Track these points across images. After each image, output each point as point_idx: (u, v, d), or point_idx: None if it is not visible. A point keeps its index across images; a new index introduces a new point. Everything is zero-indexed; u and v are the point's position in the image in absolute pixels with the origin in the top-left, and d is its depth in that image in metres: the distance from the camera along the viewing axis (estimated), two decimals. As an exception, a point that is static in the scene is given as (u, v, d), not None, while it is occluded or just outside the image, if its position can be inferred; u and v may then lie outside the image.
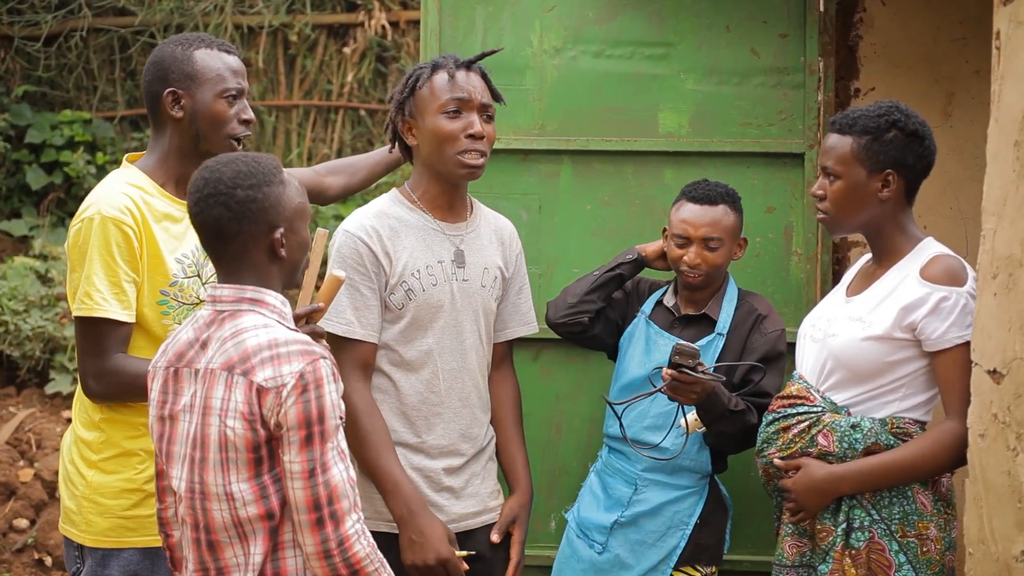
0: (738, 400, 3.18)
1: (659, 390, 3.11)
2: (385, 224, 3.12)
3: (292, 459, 2.35)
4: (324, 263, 3.03)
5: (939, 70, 3.84)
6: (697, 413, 3.16)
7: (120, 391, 2.91)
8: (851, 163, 2.94)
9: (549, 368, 3.75)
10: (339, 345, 3.05)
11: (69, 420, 6.31)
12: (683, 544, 3.26)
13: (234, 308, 2.44)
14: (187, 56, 3.00)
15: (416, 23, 7.71)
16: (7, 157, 7.81)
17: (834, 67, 3.74)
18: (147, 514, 2.92)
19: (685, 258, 3.29)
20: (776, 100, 3.70)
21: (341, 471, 2.39)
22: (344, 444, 2.44)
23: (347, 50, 7.92)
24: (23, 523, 5.69)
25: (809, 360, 3.04)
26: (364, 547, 2.42)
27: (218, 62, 3.01)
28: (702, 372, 3.03)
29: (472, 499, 3.21)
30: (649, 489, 3.29)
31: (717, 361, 3.27)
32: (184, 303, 2.99)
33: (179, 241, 2.99)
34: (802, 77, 3.68)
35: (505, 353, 3.36)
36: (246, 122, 3.04)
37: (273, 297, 2.46)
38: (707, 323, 3.33)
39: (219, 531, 2.43)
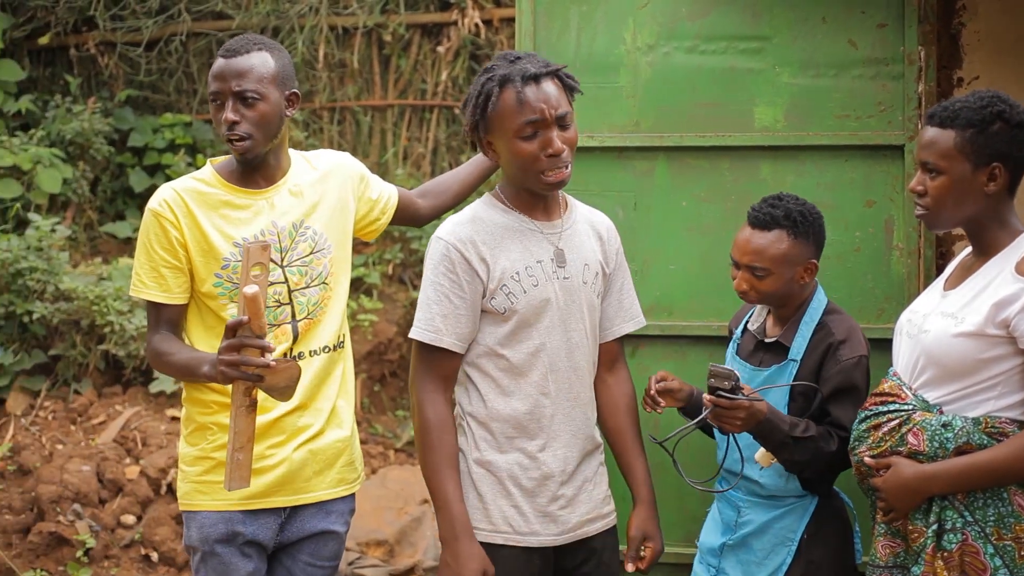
0: (809, 425, 3.08)
1: (704, 417, 3.03)
2: (481, 229, 3.09)
3: None
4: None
5: (1045, 57, 3.75)
6: (756, 441, 3.10)
7: (156, 365, 3.25)
8: (955, 157, 2.86)
9: (647, 365, 3.73)
10: (425, 353, 3.09)
11: (173, 418, 6.45)
12: (789, 561, 3.15)
13: None
14: None
15: (510, 21, 7.72)
16: (111, 161, 7.99)
17: (935, 56, 3.65)
18: (217, 480, 3.19)
19: (734, 283, 3.21)
20: (875, 91, 3.63)
21: None
22: None
23: (441, 49, 7.96)
24: (130, 519, 5.82)
25: (903, 356, 2.98)
26: None
27: (214, 66, 3.22)
28: (742, 395, 2.96)
29: (585, 505, 3.17)
30: (752, 510, 3.21)
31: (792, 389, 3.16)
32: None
33: (239, 226, 3.21)
34: (902, 67, 3.60)
35: (616, 353, 3.32)
36: (227, 123, 3.17)
37: None
38: (784, 349, 3.20)
39: None
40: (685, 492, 3.53)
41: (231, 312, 3.18)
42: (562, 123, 3.03)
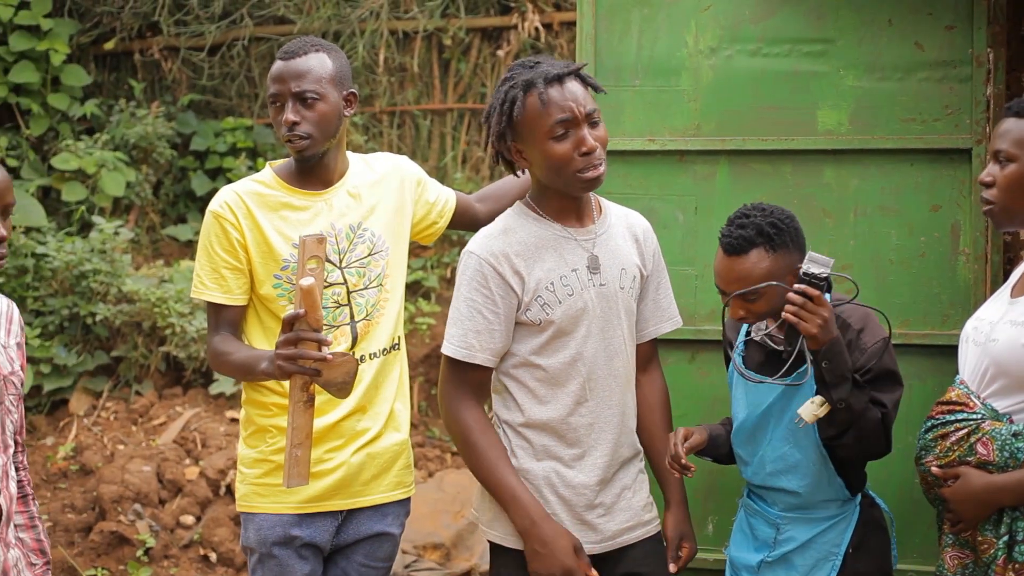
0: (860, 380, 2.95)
1: (783, 320, 2.86)
2: (513, 241, 3.04)
3: None
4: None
5: (1118, 59, 3.66)
6: (819, 371, 2.89)
7: (214, 364, 3.29)
8: None
9: (706, 369, 3.69)
10: (456, 368, 3.06)
11: (232, 420, 6.50)
12: (834, 575, 3.06)
13: None
14: None
15: (570, 24, 7.70)
16: (174, 164, 8.08)
17: (1005, 59, 3.59)
18: (275, 483, 3.20)
19: (728, 311, 3.05)
20: (942, 94, 3.57)
21: None
22: None
23: (501, 53, 7.95)
24: (189, 520, 5.87)
25: (970, 364, 2.92)
26: None
27: (271, 70, 3.25)
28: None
29: (624, 513, 3.12)
30: (792, 527, 3.11)
31: (816, 393, 2.98)
32: None
33: (299, 228, 3.22)
34: (970, 70, 3.54)
35: (650, 354, 3.27)
36: (289, 124, 3.19)
37: None
38: (800, 353, 3.03)
39: None
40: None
41: None
42: (591, 121, 2.98)
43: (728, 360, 3.28)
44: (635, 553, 3.14)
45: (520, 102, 2.97)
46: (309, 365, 2.89)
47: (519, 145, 3.02)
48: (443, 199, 3.51)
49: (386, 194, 3.35)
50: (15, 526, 2.92)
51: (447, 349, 3.06)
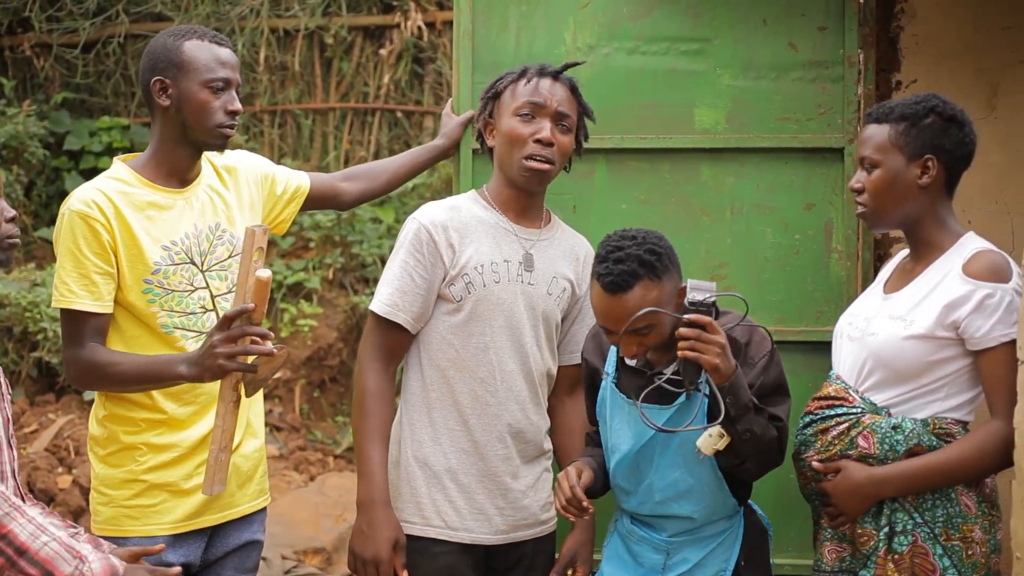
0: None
1: (680, 358, 2.73)
2: (455, 217, 3.14)
3: None
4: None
5: (984, 60, 3.75)
6: (721, 403, 2.73)
7: (90, 379, 3.04)
8: (889, 150, 2.89)
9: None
10: (378, 326, 3.13)
11: (108, 426, 6.34)
12: None
13: None
14: (176, 46, 3.05)
15: (452, 23, 7.70)
16: (46, 164, 7.87)
17: (874, 59, 3.66)
18: (148, 504, 3.03)
19: (621, 351, 2.89)
20: (815, 94, 3.62)
21: None
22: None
23: (383, 52, 7.92)
24: (62, 529, 5.71)
25: (847, 360, 2.97)
26: None
27: (206, 53, 3.05)
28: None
29: (523, 511, 3.16)
30: (683, 550, 3.00)
31: (708, 416, 2.86)
32: (172, 290, 3.04)
33: (166, 227, 3.05)
34: (841, 70, 3.60)
35: (578, 376, 3.24)
36: (232, 113, 3.06)
37: None
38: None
39: None
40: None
41: (163, 321, 3.03)
42: (561, 122, 3.16)
43: (591, 392, 3.13)
44: (527, 549, 3.19)
45: (511, 80, 3.20)
46: (252, 361, 2.76)
47: (494, 120, 3.21)
48: (292, 187, 3.38)
49: (239, 193, 3.22)
50: None
51: (374, 306, 3.14)
